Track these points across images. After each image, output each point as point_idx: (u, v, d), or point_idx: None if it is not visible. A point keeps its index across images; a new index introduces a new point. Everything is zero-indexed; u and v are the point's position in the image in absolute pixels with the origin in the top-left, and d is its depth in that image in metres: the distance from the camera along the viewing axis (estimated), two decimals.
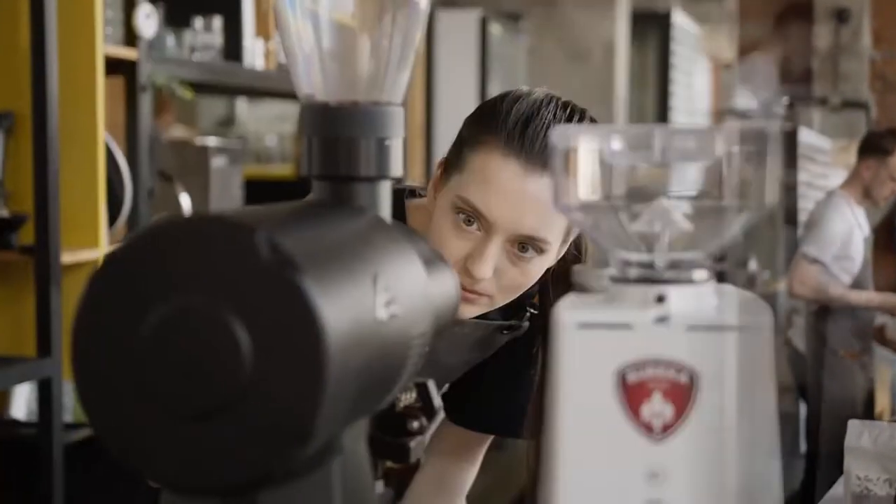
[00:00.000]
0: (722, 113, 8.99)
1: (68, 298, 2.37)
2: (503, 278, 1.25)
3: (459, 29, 4.89)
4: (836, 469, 4.76)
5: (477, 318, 1.34)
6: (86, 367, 0.63)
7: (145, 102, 2.65)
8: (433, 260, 0.85)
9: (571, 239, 1.31)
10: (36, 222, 2.34)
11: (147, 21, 2.62)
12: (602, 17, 5.42)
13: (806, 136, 6.90)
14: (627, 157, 0.70)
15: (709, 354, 0.67)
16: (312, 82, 0.82)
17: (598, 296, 0.73)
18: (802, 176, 6.42)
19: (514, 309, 1.38)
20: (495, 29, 4.97)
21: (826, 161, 7.44)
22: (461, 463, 1.53)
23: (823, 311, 4.24)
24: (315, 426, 0.60)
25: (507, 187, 1.20)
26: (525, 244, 1.23)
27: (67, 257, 2.39)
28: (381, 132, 0.80)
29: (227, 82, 3.12)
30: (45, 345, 2.31)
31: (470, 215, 1.22)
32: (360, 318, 0.65)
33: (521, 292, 1.28)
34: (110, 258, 0.62)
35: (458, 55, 4.82)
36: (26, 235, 2.37)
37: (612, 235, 0.71)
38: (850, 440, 1.93)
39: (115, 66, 2.60)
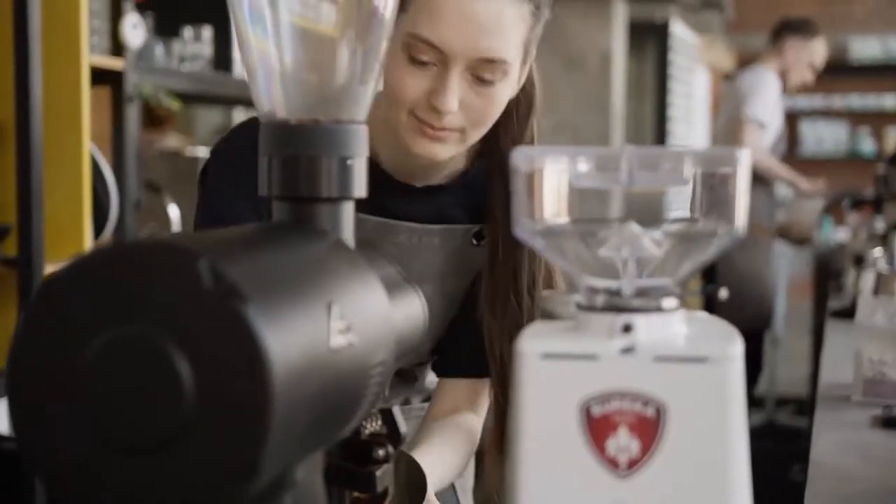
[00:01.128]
0: None
1: None
2: (470, 110, 1.22)
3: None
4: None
5: (445, 224, 1.33)
6: (22, 394, 0.60)
7: (132, 113, 2.62)
8: (397, 283, 0.82)
9: (530, 61, 1.28)
10: (19, 234, 2.31)
11: (134, 31, 2.60)
12: (598, 26, 5.39)
13: (677, 29, 6.93)
14: (594, 179, 0.68)
15: (676, 387, 0.64)
16: (273, 99, 0.79)
17: (565, 323, 0.71)
18: (670, 70, 6.56)
19: (481, 215, 1.36)
20: None
21: (692, 55, 7.52)
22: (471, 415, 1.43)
23: None
24: (260, 462, 0.57)
25: (455, 12, 1.18)
26: (484, 70, 1.19)
27: (51, 269, 2.36)
28: (343, 151, 0.78)
29: (216, 92, 3.10)
30: None
31: (423, 51, 1.19)
32: (311, 347, 0.62)
33: (489, 123, 1.25)
34: (50, 282, 0.60)
35: None
36: (9, 247, 2.35)
37: (578, 261, 0.69)
38: (861, 318, 1.84)
39: (101, 76, 2.57)
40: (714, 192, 0.66)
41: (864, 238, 4.22)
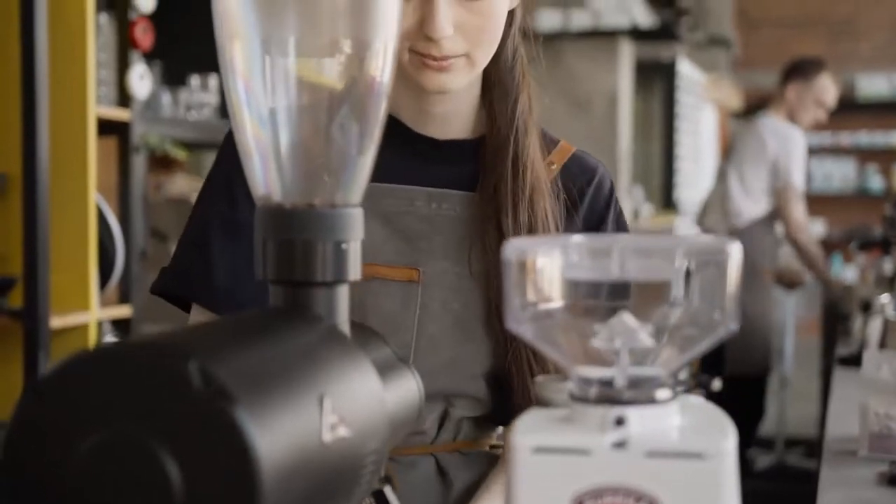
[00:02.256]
0: None
1: None
2: (467, 30, 1.15)
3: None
4: (742, 394, 4.76)
5: (465, 191, 1.23)
6: (13, 494, 0.60)
7: (138, 163, 2.63)
8: (391, 365, 0.82)
9: None
10: (25, 285, 2.31)
11: (141, 82, 2.61)
12: (605, 68, 5.41)
13: (684, 68, 6.93)
14: (586, 270, 0.68)
15: (670, 482, 0.63)
16: (268, 183, 0.79)
17: (558, 412, 0.70)
18: (677, 108, 6.56)
19: None
20: None
21: (699, 93, 7.52)
22: None
23: (748, 229, 4.31)
24: None
25: None
26: None
27: (57, 321, 2.36)
28: (338, 235, 0.78)
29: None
30: None
31: None
32: (302, 444, 0.62)
33: (493, 40, 1.17)
34: (41, 384, 0.60)
35: None
36: (15, 299, 2.35)
37: (569, 351, 0.68)
38: (866, 372, 1.82)
39: (108, 127, 2.58)
40: (706, 283, 0.66)
41: (872, 280, 4.21)
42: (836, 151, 10.00)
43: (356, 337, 0.79)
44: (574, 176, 1.29)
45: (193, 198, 3.15)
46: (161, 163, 3.39)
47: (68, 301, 2.43)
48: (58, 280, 2.39)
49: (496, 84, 1.25)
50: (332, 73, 0.79)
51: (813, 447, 5.17)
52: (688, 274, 0.68)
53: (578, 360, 0.68)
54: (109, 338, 2.75)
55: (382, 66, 0.80)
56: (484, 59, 1.18)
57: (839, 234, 10.04)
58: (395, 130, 1.26)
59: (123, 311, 2.66)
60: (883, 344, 2.77)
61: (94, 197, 2.46)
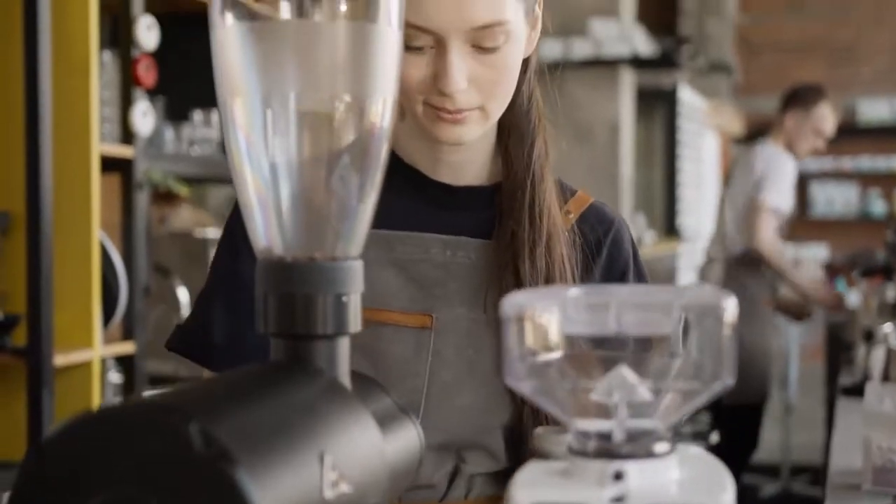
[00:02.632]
0: None
1: (61, 402, 2.34)
2: (481, 84, 1.13)
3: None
4: (737, 423, 4.76)
5: (480, 238, 1.21)
6: None
7: (141, 200, 2.65)
8: (392, 415, 0.82)
9: (538, 10, 1.20)
10: (28, 323, 2.32)
11: (144, 119, 2.63)
12: (606, 96, 5.43)
13: (685, 94, 6.93)
14: (583, 325, 0.68)
15: None
16: (269, 236, 0.80)
17: (557, 466, 0.71)
18: (679, 135, 6.56)
19: None
20: None
21: (701, 120, 7.52)
22: None
23: (745, 259, 4.29)
24: None
25: None
26: (484, 39, 1.11)
27: (60, 359, 2.37)
28: (339, 288, 0.78)
29: (226, 175, 3.13)
30: None
31: (414, 37, 1.11)
32: (304, 503, 0.62)
33: (507, 92, 1.15)
34: (44, 444, 0.60)
35: None
36: (19, 337, 2.36)
37: (568, 405, 0.69)
38: (868, 405, 1.81)
39: (111, 164, 2.60)
40: (703, 337, 0.67)
41: (875, 307, 4.20)
42: (839, 175, 10.01)
43: (357, 388, 0.80)
44: (591, 226, 1.27)
45: (197, 232, 3.15)
46: (165, 196, 3.41)
47: (72, 338, 2.44)
48: (61, 318, 2.39)
49: (512, 129, 1.24)
50: (332, 126, 0.80)
51: (818, 475, 5.15)
52: (685, 327, 0.68)
53: (577, 413, 0.69)
54: (113, 375, 2.76)
55: (382, 117, 0.81)
56: (499, 110, 1.17)
57: (842, 258, 10.04)
58: (411, 177, 1.26)
59: (127, 347, 2.66)
60: (886, 374, 2.77)
61: (97, 234, 2.47)
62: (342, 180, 0.81)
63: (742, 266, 4.32)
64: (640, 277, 1.28)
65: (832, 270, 9.95)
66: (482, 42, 1.11)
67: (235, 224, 1.23)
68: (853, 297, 6.41)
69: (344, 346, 0.79)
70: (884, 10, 9.64)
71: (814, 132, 4.37)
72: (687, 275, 7.38)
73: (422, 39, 1.11)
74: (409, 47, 1.12)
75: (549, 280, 1.19)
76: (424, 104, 1.15)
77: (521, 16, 1.14)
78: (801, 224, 10.10)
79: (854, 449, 1.98)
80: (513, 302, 0.68)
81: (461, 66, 1.11)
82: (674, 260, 6.99)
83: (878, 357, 2.87)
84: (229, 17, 0.78)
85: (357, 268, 0.80)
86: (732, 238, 4.35)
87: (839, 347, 4.54)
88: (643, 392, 0.68)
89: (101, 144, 2.51)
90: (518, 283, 1.18)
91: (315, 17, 0.78)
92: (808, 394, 6.14)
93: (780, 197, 4.27)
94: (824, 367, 5.28)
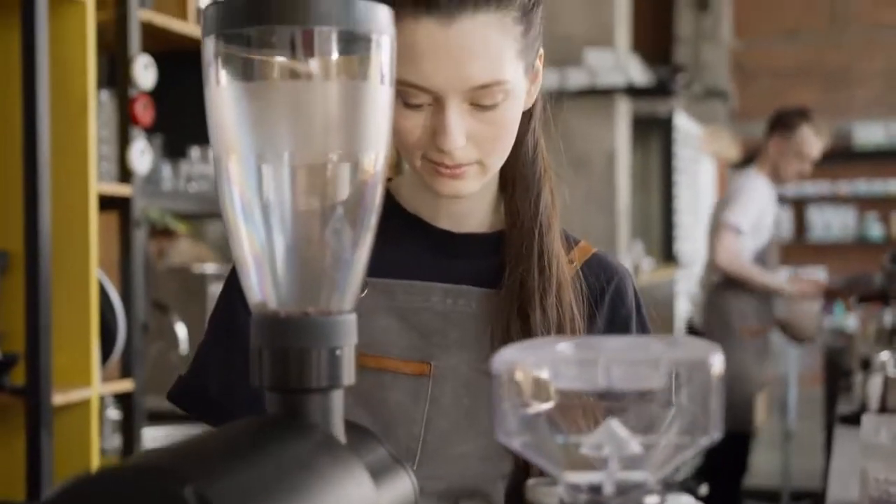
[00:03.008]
0: None
1: (60, 441, 2.35)
2: (480, 140, 1.13)
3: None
4: (721, 454, 4.68)
5: (482, 287, 1.21)
6: None
7: (139, 238, 2.66)
8: (387, 465, 0.83)
9: (537, 67, 1.20)
10: (27, 363, 2.33)
11: (142, 157, 2.64)
12: (603, 126, 5.46)
13: (681, 121, 6.95)
14: (573, 381, 0.69)
15: None
16: (264, 291, 0.81)
17: None
18: (675, 162, 6.58)
19: None
20: None
21: (697, 146, 7.53)
22: None
23: (725, 284, 4.27)
24: None
25: (430, 47, 1.09)
26: (482, 97, 1.11)
27: (59, 398, 2.37)
28: (332, 342, 0.79)
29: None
30: (34, 489, 2.29)
31: (412, 95, 1.11)
32: None
33: (506, 147, 1.16)
34: None
35: None
36: (17, 376, 2.36)
37: (558, 458, 0.70)
38: (865, 436, 1.82)
39: (109, 202, 2.61)
40: (692, 391, 0.68)
41: (873, 333, 4.20)
42: (835, 200, 10.04)
43: (351, 439, 0.81)
44: (596, 275, 1.28)
45: (195, 267, 3.16)
46: (164, 229, 3.42)
47: (70, 377, 2.44)
48: (60, 357, 2.40)
49: (517, 180, 1.24)
50: (325, 181, 0.81)
51: (818, 500, 5.15)
52: (675, 381, 0.69)
53: (568, 466, 0.70)
54: (112, 412, 2.76)
55: (374, 171, 0.82)
56: (497, 164, 1.17)
57: (840, 281, 10.05)
58: (413, 225, 1.27)
59: (125, 385, 2.67)
60: (884, 403, 2.77)
61: (95, 273, 2.48)
62: (336, 235, 0.82)
63: (722, 291, 4.33)
64: (643, 328, 1.29)
65: (829, 295, 9.98)
66: (480, 100, 1.12)
67: (234, 278, 1.25)
68: (851, 322, 6.41)
69: (338, 398, 0.80)
70: (876, 36, 9.69)
71: (797, 156, 4.35)
72: (685, 301, 7.39)
73: (421, 97, 1.12)
74: (407, 104, 1.13)
75: (560, 329, 1.19)
76: (423, 158, 1.16)
77: (521, 73, 1.15)
78: (799, 248, 10.13)
79: (852, 478, 1.98)
80: (503, 358, 0.69)
81: (459, 124, 1.12)
82: (671, 286, 7.00)
83: (875, 385, 2.87)
84: (223, 77, 0.79)
85: (350, 321, 0.81)
86: (710, 264, 4.38)
87: (838, 373, 4.55)
88: (633, 445, 0.69)
89: (99, 183, 2.53)
90: (528, 332, 1.18)
91: (308, 76, 0.79)
92: (808, 418, 6.14)
93: (742, 217, 4.26)
94: (823, 393, 5.29)
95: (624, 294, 1.29)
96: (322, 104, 0.79)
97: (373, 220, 0.83)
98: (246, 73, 0.79)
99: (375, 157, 0.82)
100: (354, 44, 0.79)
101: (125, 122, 2.63)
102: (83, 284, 2.46)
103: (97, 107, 2.55)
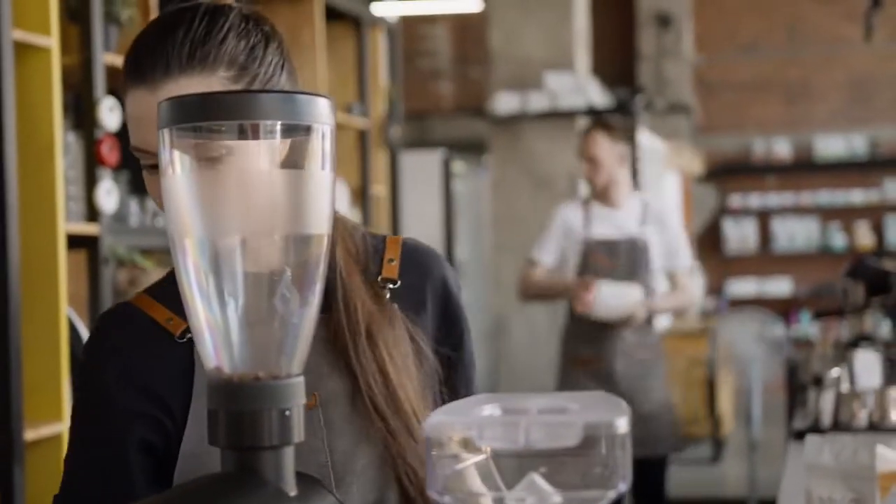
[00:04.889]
0: None
1: (32, 477, 2.40)
2: None
3: (424, 168, 5.01)
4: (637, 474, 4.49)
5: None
6: None
7: (107, 275, 2.72)
8: None
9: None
10: None
11: (108, 196, 2.71)
12: (564, 147, 5.55)
13: (643, 139, 7.05)
14: (497, 441, 0.77)
15: None
16: (218, 356, 0.89)
17: None
18: (640, 178, 6.60)
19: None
20: (458, 166, 5.09)
21: (661, 161, 7.61)
22: None
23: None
24: None
25: (142, 113, 1.16)
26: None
27: (31, 434, 2.43)
28: (282, 404, 0.87)
29: None
30: None
31: (145, 157, 1.18)
32: None
33: None
34: None
35: (423, 194, 4.93)
36: None
37: None
38: (808, 456, 1.88)
39: (77, 241, 2.67)
40: (601, 450, 0.76)
41: (831, 345, 4.28)
42: (799, 211, 10.19)
43: (302, 490, 0.88)
44: (415, 263, 1.32)
45: None
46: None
47: (42, 413, 2.50)
48: (31, 393, 2.46)
49: None
50: (272, 256, 0.88)
51: None
52: (588, 439, 0.77)
53: None
54: None
55: (320, 245, 0.90)
56: None
57: (805, 291, 10.21)
58: None
59: None
60: (836, 419, 2.86)
61: (65, 310, 2.54)
62: (284, 302, 0.90)
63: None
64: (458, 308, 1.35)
65: (796, 304, 10.13)
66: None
67: (86, 403, 1.25)
68: (814, 332, 6.52)
69: (288, 454, 0.88)
70: (835, 50, 9.86)
71: (583, 156, 4.16)
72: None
73: (151, 159, 1.17)
74: (145, 167, 1.19)
75: (383, 371, 1.23)
76: None
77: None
78: (765, 259, 10.27)
79: (801, 497, 2.06)
80: (433, 421, 0.77)
81: None
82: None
83: (827, 401, 2.96)
84: (177, 167, 0.87)
85: (298, 383, 0.88)
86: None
87: (798, 385, 4.64)
88: (554, 498, 0.77)
89: (67, 223, 2.59)
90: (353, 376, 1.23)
91: (254, 164, 0.87)
92: (774, 426, 6.24)
93: (539, 250, 4.15)
94: (785, 403, 5.38)
95: (446, 280, 1.34)
96: (268, 189, 0.86)
97: (318, 287, 0.90)
98: (198, 162, 0.86)
99: (319, 233, 0.90)
100: (297, 133, 0.87)
101: (91, 162, 2.70)
102: (53, 322, 2.51)
103: (64, 148, 2.61)
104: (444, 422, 0.77)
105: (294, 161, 0.87)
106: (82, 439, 1.25)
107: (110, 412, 1.23)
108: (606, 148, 4.02)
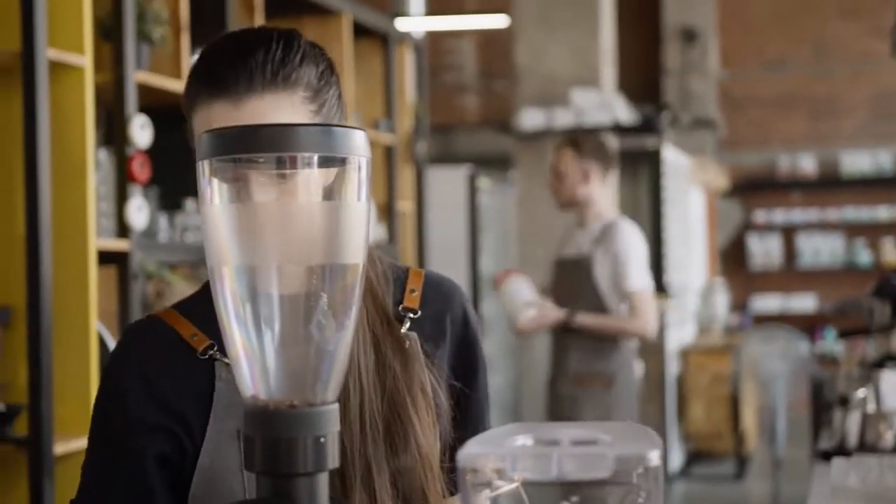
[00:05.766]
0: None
1: (62, 491, 2.42)
2: None
3: (449, 183, 5.02)
4: None
5: None
6: None
7: (136, 290, 2.75)
8: None
9: None
10: (30, 414, 2.41)
11: (139, 213, 2.74)
12: None
13: (669, 154, 7.03)
14: (529, 472, 0.78)
15: None
16: (255, 385, 0.90)
17: None
18: (664, 194, 6.55)
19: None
20: (483, 183, 5.10)
21: (686, 177, 7.57)
22: None
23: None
24: None
25: (225, 123, 1.17)
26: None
27: (61, 448, 2.45)
28: (317, 431, 0.88)
29: None
30: None
31: None
32: None
33: None
34: None
35: (448, 209, 4.93)
36: (20, 427, 2.44)
37: None
38: (836, 479, 1.89)
39: (108, 257, 2.70)
40: (629, 487, 0.77)
41: (856, 364, 4.26)
42: (824, 227, 10.15)
43: None
44: (436, 296, 1.34)
45: None
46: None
47: (71, 427, 2.52)
48: (61, 407, 2.48)
49: None
50: (309, 285, 0.90)
51: None
52: (621, 470, 0.78)
53: None
54: None
55: (355, 273, 0.91)
56: None
57: (830, 307, 10.16)
58: None
59: None
60: (862, 440, 2.85)
61: (95, 325, 2.57)
62: (319, 330, 0.92)
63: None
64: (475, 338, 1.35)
65: (820, 321, 10.08)
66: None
67: (105, 413, 1.26)
68: (839, 349, 6.50)
69: (323, 481, 0.89)
70: (861, 66, 9.82)
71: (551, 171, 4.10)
72: (675, 331, 7.48)
73: None
74: None
75: (389, 396, 1.24)
76: None
77: None
78: (789, 275, 10.23)
79: None
80: (466, 454, 0.78)
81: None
82: (662, 317, 7.09)
83: (853, 422, 2.94)
84: (216, 198, 0.88)
85: (333, 411, 0.90)
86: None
87: (822, 403, 4.62)
88: None
89: (98, 239, 2.62)
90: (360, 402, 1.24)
91: (292, 196, 0.88)
92: (798, 445, 6.21)
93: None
94: (810, 421, 5.36)
95: (466, 314, 1.35)
96: (306, 220, 0.88)
97: (353, 313, 0.92)
98: (236, 193, 0.88)
99: (355, 263, 0.91)
100: (333, 165, 0.88)
101: (123, 179, 2.73)
102: (83, 337, 2.54)
103: (95, 165, 2.64)
104: (479, 453, 0.79)
105: (331, 192, 0.89)
106: (100, 449, 1.26)
107: (129, 424, 1.24)
108: (570, 163, 3.96)
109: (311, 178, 0.88)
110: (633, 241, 3.92)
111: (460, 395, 1.32)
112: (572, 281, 3.95)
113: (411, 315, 1.30)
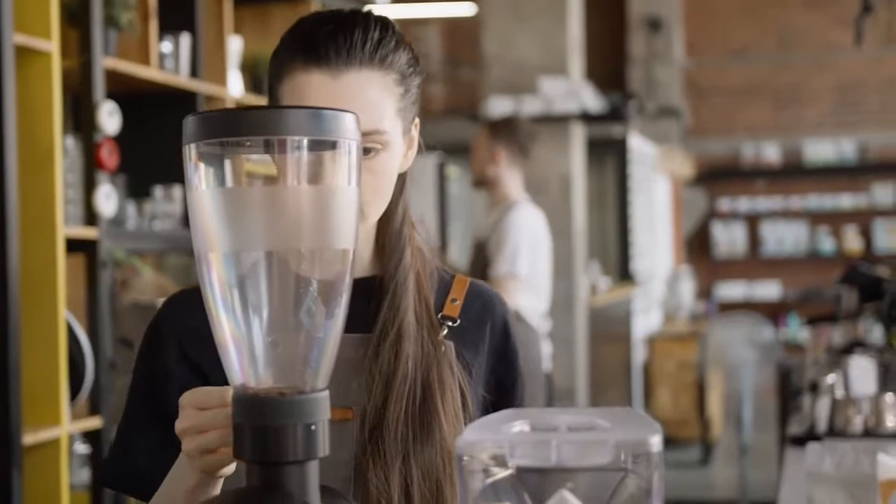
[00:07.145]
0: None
1: (30, 480, 2.39)
2: (361, 187, 1.16)
3: (417, 171, 4.97)
4: None
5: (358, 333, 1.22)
6: None
7: (105, 278, 2.71)
8: None
9: (415, 132, 1.27)
10: None
11: (107, 201, 2.70)
12: (558, 151, 5.56)
13: (635, 142, 7.06)
14: (528, 459, 0.77)
15: None
16: (244, 373, 0.89)
17: None
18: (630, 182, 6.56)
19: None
20: (452, 171, 5.09)
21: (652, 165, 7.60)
22: None
23: None
24: None
25: (320, 97, 1.18)
26: (364, 143, 1.14)
27: (29, 438, 2.42)
28: (307, 419, 0.87)
29: (187, 248, 3.20)
30: None
31: None
32: None
33: (384, 196, 1.23)
34: None
35: (417, 197, 4.89)
36: None
37: None
38: (810, 465, 1.89)
39: (76, 245, 2.67)
40: (634, 468, 0.76)
41: (823, 352, 4.29)
42: (788, 215, 10.22)
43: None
44: (478, 305, 1.34)
45: (158, 301, 3.19)
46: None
47: (40, 417, 2.49)
48: (28, 395, 2.45)
49: (385, 240, 1.30)
50: (297, 271, 0.88)
51: None
52: (620, 456, 0.77)
53: None
54: (79, 447, 2.81)
55: (344, 259, 0.90)
56: (375, 214, 1.24)
57: (794, 295, 10.24)
58: None
59: (94, 422, 2.72)
60: (832, 425, 2.87)
61: (63, 314, 2.54)
62: (309, 316, 0.90)
63: None
64: (514, 354, 1.36)
65: (784, 308, 10.16)
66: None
67: (148, 350, 1.29)
68: (803, 336, 6.55)
69: (313, 469, 0.88)
70: (825, 55, 9.89)
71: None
72: (641, 318, 7.52)
73: None
74: None
75: (388, 379, 1.23)
76: None
77: (399, 131, 1.23)
78: (754, 263, 10.29)
79: (801, 502, 2.06)
80: (464, 440, 0.77)
81: None
82: (628, 304, 7.13)
83: (823, 408, 2.96)
84: (203, 181, 0.87)
85: (323, 398, 0.88)
86: None
87: (789, 389, 4.64)
88: None
89: (66, 227, 2.58)
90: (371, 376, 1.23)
91: (280, 180, 0.87)
92: (764, 431, 6.25)
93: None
94: (777, 408, 5.39)
95: (507, 326, 1.35)
96: (294, 205, 0.87)
97: (343, 301, 0.90)
98: (223, 178, 0.86)
99: (345, 248, 0.90)
100: (323, 149, 0.87)
101: (90, 166, 2.69)
102: (51, 326, 2.51)
103: (63, 153, 2.60)
104: (476, 440, 0.78)
105: (320, 176, 0.87)
106: (136, 412, 1.28)
107: (167, 387, 1.24)
108: (481, 143, 4.00)
109: (300, 162, 0.86)
110: (519, 225, 3.88)
111: (490, 407, 1.31)
112: (475, 263, 3.98)
113: (449, 324, 1.30)
